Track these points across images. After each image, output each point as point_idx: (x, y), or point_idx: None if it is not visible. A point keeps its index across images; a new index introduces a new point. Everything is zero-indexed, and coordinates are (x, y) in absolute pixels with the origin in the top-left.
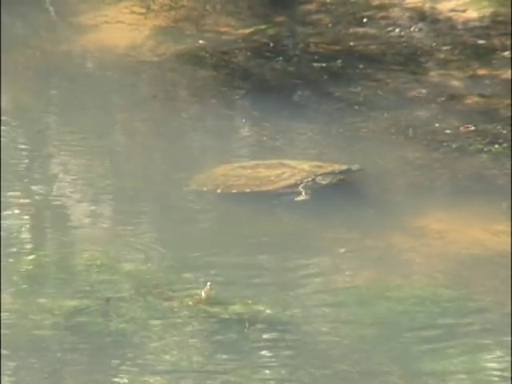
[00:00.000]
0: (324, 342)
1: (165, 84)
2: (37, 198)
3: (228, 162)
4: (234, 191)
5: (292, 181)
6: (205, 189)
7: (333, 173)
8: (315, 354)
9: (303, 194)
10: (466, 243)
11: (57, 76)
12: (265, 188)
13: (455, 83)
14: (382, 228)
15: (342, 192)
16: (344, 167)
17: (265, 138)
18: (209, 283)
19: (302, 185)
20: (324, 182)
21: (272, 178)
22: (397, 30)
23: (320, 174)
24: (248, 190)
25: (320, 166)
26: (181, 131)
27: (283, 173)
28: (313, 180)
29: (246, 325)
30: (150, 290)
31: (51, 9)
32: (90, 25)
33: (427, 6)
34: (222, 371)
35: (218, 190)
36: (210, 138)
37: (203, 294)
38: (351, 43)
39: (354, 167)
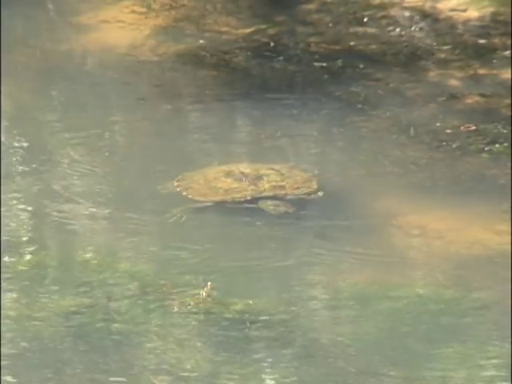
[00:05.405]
0: (324, 342)
1: (165, 83)
2: (37, 197)
3: (226, 162)
4: (190, 196)
5: (236, 196)
6: (184, 192)
7: (279, 200)
8: (316, 354)
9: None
10: (466, 243)
11: (57, 76)
12: (211, 198)
13: (456, 83)
14: (382, 227)
15: (342, 191)
16: (312, 188)
17: (265, 138)
18: (209, 283)
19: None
20: (262, 206)
21: (221, 191)
22: (397, 30)
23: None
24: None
25: (282, 187)
26: (181, 131)
27: (237, 187)
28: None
29: (247, 324)
30: (151, 289)
31: (51, 9)
32: (90, 24)
33: (427, 5)
34: (222, 371)
35: (184, 193)
36: (210, 139)
37: (204, 293)
38: (351, 43)
39: (320, 194)
